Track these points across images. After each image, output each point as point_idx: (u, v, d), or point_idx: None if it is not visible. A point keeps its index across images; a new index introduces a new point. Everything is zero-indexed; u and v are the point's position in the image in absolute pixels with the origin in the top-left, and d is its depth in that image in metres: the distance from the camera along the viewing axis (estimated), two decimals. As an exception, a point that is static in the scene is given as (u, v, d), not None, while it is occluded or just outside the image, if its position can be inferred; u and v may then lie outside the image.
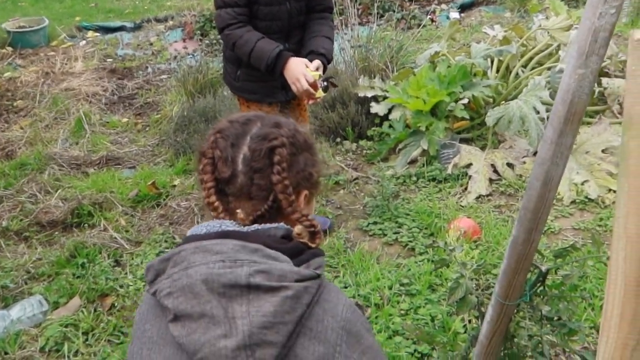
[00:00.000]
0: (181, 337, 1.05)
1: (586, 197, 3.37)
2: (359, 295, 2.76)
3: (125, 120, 5.49)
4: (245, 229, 1.15)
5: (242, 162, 1.17)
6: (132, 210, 3.80)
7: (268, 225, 1.16)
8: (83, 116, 5.34)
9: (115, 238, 3.45)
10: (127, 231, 3.55)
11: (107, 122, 5.41)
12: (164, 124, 5.13)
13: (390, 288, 2.77)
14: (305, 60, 2.69)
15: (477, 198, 3.54)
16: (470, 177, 3.66)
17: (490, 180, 3.64)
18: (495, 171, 3.72)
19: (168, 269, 1.10)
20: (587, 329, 2.41)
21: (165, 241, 3.41)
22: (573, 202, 3.37)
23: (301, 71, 2.63)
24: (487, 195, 3.56)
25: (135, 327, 1.19)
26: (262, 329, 1.03)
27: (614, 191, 3.36)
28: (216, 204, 1.17)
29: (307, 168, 1.23)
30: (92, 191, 3.99)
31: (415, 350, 2.38)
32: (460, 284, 1.69)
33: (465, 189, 3.63)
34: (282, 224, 1.17)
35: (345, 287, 2.84)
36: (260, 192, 1.17)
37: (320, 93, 2.72)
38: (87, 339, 2.69)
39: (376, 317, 2.59)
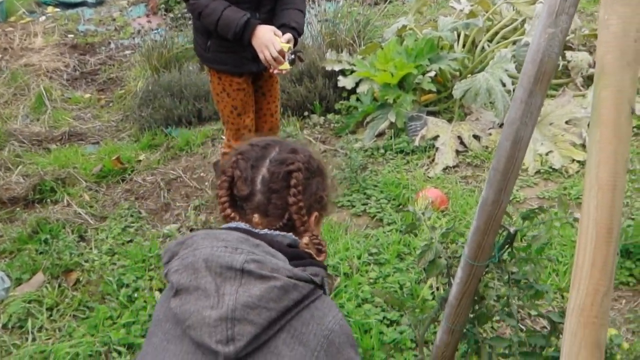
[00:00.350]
0: (177, 308, 1.15)
1: (550, 167, 3.43)
2: (328, 265, 2.76)
3: (87, 96, 5.36)
4: (256, 230, 1.27)
5: (261, 183, 1.29)
6: (96, 186, 3.73)
7: (277, 232, 1.28)
8: (44, 92, 5.19)
9: (80, 213, 3.38)
10: (91, 206, 3.48)
11: (69, 98, 5.27)
12: (128, 100, 5.03)
13: (359, 257, 2.78)
14: (274, 28, 2.64)
15: (444, 169, 3.56)
16: (437, 149, 3.68)
17: (457, 152, 3.67)
18: (462, 143, 3.74)
19: (180, 251, 1.21)
20: (552, 294, 2.46)
21: (131, 215, 3.36)
22: (538, 172, 3.42)
23: (270, 39, 2.58)
24: (454, 167, 3.58)
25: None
26: (245, 307, 1.11)
27: (578, 161, 3.42)
28: (232, 214, 1.31)
29: (318, 192, 1.35)
30: (55, 167, 3.89)
31: (384, 318, 2.40)
32: (430, 247, 1.70)
33: (433, 160, 3.65)
34: (291, 234, 1.29)
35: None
36: (276, 211, 1.29)
37: (286, 65, 2.66)
38: (51, 315, 2.63)
39: (345, 286, 2.59)
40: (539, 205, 1.67)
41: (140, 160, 3.97)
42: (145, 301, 2.63)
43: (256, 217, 1.30)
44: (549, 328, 1.92)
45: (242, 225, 1.29)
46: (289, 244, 1.27)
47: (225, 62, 2.79)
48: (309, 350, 1.14)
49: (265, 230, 1.27)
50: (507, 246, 1.70)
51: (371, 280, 2.64)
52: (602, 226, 1.03)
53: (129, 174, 3.81)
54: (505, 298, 1.65)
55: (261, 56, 2.63)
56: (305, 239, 1.29)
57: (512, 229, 1.60)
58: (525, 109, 1.41)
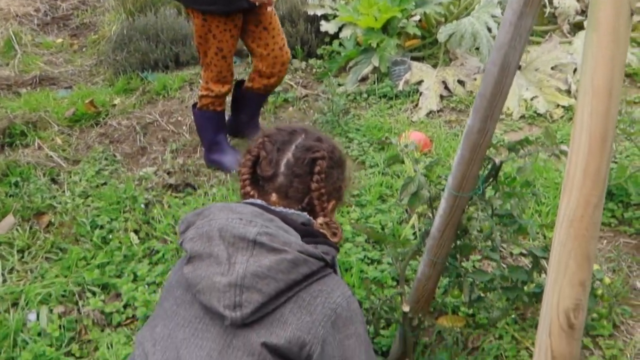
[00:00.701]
0: (189, 274, 1.20)
1: (535, 112, 3.38)
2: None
3: (60, 41, 5.17)
4: (272, 207, 1.31)
5: (285, 166, 1.34)
6: (69, 130, 3.61)
7: (292, 210, 1.31)
8: (13, 36, 4.99)
9: (51, 157, 3.27)
10: (64, 150, 3.36)
11: (40, 43, 5.08)
12: (102, 45, 4.85)
13: (340, 199, 2.72)
14: None
15: (428, 114, 3.49)
16: (421, 93, 3.61)
17: (441, 97, 3.60)
18: (447, 88, 3.67)
19: (197, 221, 1.25)
20: (535, 232, 2.43)
21: (106, 159, 3.26)
22: (522, 117, 3.37)
23: None
24: (438, 111, 3.52)
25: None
26: (254, 277, 1.15)
27: (562, 106, 3.37)
28: (252, 192, 1.35)
29: (338, 181, 1.42)
30: (25, 111, 3.75)
31: (365, 257, 2.36)
32: (413, 179, 1.64)
33: (416, 105, 3.58)
34: (305, 214, 1.32)
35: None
36: (296, 194, 1.34)
37: None
38: (22, 257, 2.55)
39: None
40: (525, 136, 1.61)
41: (115, 105, 3.84)
42: (120, 242, 2.56)
43: (274, 197, 1.35)
44: (530, 266, 1.89)
45: (259, 201, 1.32)
46: (302, 222, 1.30)
47: (214, 1, 2.68)
48: (315, 320, 1.18)
49: (281, 208, 1.31)
50: (491, 178, 1.65)
51: (352, 221, 2.60)
52: (595, 134, 0.97)
53: (103, 118, 3.69)
54: (489, 230, 1.61)
55: None
56: (320, 220, 1.32)
57: (497, 160, 1.54)
58: (514, 32, 1.33)
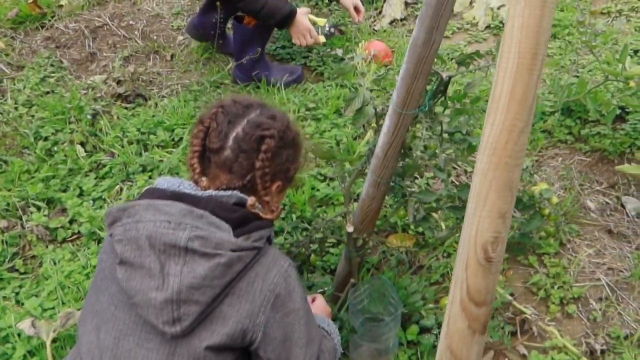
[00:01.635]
0: (123, 281, 1.17)
1: (501, 22, 3.26)
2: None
3: None
4: (200, 193, 1.26)
5: (233, 140, 1.30)
6: (12, 32, 3.39)
7: (222, 192, 1.26)
8: None
9: (-7, 62, 3.09)
10: (7, 54, 3.18)
11: None
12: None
13: (296, 112, 2.64)
14: (308, 10, 2.76)
15: (392, 22, 3.35)
16: (385, 0, 3.44)
17: (406, 4, 3.44)
18: (412, -6, 3.51)
19: (123, 218, 1.21)
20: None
21: (52, 65, 3.09)
22: (488, 27, 3.25)
23: (306, 27, 2.71)
24: (402, 20, 3.38)
25: (100, 250, 1.38)
26: (190, 289, 1.14)
27: (530, 16, 3.25)
28: (195, 165, 1.31)
29: (287, 163, 1.36)
30: (-36, 11, 3.50)
31: (318, 173, 2.32)
32: (358, 94, 1.56)
33: (380, 12, 3.42)
34: (236, 192, 1.27)
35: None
36: (240, 170, 1.30)
37: (322, 39, 2.83)
38: (-37, 168, 2.45)
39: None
40: (475, 50, 1.53)
41: (61, 5, 3.60)
42: (65, 155, 2.47)
43: (204, 181, 1.30)
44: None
45: (187, 186, 1.28)
46: (235, 202, 1.26)
47: None
48: (255, 307, 1.19)
49: (210, 191, 1.27)
50: (439, 95, 1.58)
51: (307, 136, 2.53)
52: (525, 50, 0.88)
53: (49, 20, 3.47)
54: (434, 149, 1.55)
55: (296, 41, 2.79)
56: (252, 199, 1.28)
57: (445, 75, 1.46)
58: None
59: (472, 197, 0.99)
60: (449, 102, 1.64)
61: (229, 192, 1.27)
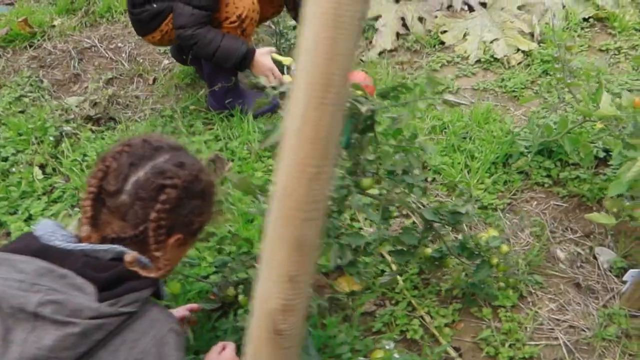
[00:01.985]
0: None
1: (492, 57, 3.12)
2: (227, 148, 2.54)
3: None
4: (72, 247, 1.13)
5: (132, 184, 1.18)
6: (1, 51, 3.39)
7: (98, 246, 1.15)
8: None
9: (-26, 80, 3.08)
10: (-11, 73, 3.18)
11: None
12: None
13: (260, 142, 2.54)
14: (270, 49, 2.64)
15: (380, 53, 3.25)
16: (377, 30, 3.34)
17: (398, 35, 3.34)
18: (405, 25, 3.40)
19: None
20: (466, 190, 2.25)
21: (30, 84, 3.07)
22: (478, 61, 3.11)
23: (269, 67, 2.58)
24: (392, 51, 3.27)
25: None
26: None
27: (522, 51, 3.11)
28: (87, 209, 1.19)
29: (190, 215, 1.24)
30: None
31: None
32: (276, 126, 1.45)
33: (370, 42, 3.33)
34: (115, 246, 1.15)
35: (217, 139, 2.61)
36: (134, 219, 1.18)
37: (289, 78, 2.59)
38: None
39: (239, 172, 2.38)
40: (402, 82, 1.41)
41: (54, 26, 3.61)
42: (21, 177, 2.41)
43: (84, 231, 1.18)
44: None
45: (59, 236, 1.15)
46: (112, 258, 1.14)
47: None
48: None
49: (84, 245, 1.15)
50: (365, 130, 1.46)
51: (269, 168, 2.43)
52: (316, 81, 0.75)
53: (39, 40, 3.47)
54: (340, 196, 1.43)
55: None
56: (129, 256, 1.14)
57: (363, 109, 1.34)
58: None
59: (263, 255, 0.85)
60: (381, 137, 1.53)
61: (106, 247, 1.15)
